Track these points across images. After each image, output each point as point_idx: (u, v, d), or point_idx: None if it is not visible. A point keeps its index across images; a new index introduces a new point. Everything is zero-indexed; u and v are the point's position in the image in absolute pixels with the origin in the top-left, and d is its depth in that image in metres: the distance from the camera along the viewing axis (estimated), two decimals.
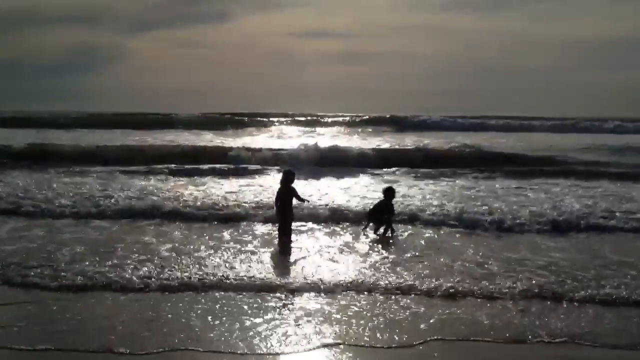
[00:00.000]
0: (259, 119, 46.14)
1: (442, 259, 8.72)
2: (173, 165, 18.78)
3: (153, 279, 7.37)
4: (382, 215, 10.83)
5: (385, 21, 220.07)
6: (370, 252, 9.22)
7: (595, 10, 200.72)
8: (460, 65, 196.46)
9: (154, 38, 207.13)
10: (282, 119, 47.69)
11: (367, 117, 46.40)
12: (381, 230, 10.71)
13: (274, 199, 10.13)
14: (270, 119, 47.41)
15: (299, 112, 55.64)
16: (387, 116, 45.34)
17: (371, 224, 10.90)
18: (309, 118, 49.68)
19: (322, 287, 7.27)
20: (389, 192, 11.09)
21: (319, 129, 40.04)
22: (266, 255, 8.87)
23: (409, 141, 28.73)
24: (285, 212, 9.89)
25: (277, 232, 9.99)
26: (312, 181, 16.34)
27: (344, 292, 7.14)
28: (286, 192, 9.89)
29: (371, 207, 11.33)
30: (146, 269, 7.82)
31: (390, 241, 10.14)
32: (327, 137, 32.04)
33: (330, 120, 47.63)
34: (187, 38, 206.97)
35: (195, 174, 17.31)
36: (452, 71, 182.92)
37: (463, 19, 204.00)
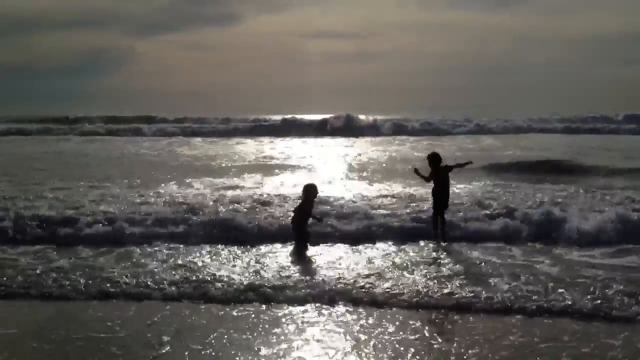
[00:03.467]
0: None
1: None
2: None
3: None
4: (445, 189, 9.26)
5: (393, 19, 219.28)
6: None
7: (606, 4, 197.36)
8: (469, 63, 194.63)
9: (163, 41, 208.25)
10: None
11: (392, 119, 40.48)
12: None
13: (294, 215, 9.62)
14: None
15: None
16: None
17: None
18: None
19: None
20: (436, 157, 9.34)
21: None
22: None
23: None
24: (305, 227, 9.51)
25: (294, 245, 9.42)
26: None
27: None
28: (309, 207, 9.54)
29: (433, 192, 9.37)
30: None
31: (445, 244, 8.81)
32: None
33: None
34: (196, 41, 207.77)
35: None
36: (461, 68, 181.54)
37: (472, 16, 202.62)
